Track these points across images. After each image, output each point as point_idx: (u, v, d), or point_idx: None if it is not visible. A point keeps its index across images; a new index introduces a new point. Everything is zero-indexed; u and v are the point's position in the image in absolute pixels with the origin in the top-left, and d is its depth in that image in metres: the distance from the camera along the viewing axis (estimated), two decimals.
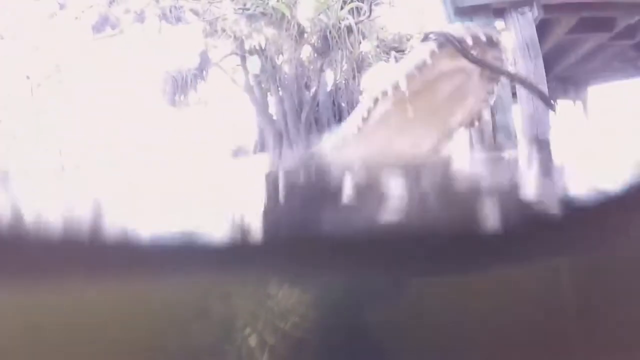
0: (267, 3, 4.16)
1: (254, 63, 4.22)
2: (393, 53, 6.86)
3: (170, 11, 4.43)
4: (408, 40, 7.05)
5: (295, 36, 4.97)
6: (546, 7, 3.43)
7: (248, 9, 4.26)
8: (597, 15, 3.63)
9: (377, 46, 6.64)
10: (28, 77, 4.60)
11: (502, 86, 3.54)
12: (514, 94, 3.41)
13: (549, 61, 5.31)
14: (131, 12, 4.01)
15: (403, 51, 6.96)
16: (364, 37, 5.97)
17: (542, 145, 3.33)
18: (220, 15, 4.65)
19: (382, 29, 6.24)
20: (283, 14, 4.30)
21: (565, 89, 5.62)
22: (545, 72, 5.54)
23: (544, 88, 3.33)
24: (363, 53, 6.26)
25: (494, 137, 3.36)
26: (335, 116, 7.37)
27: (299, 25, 4.89)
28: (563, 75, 5.35)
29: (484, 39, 0.74)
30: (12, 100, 6.70)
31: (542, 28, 4.05)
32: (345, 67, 6.50)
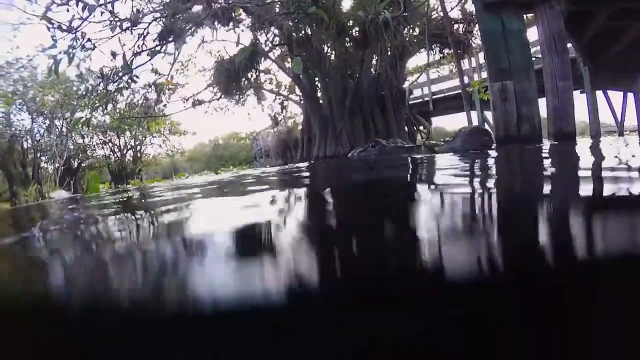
0: (308, 8, 4.48)
1: (298, 65, 4.57)
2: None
3: (222, 13, 4.94)
4: (453, 24, 6.96)
5: (335, 34, 5.27)
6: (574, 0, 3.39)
7: (292, 13, 4.63)
8: (630, 6, 3.52)
9: (420, 34, 6.70)
10: (102, 74, 5.40)
11: (528, 80, 3.65)
12: (541, 87, 3.41)
13: (594, 49, 5.03)
14: (191, 22, 4.57)
15: (446, 38, 6.92)
16: (404, 27, 6.07)
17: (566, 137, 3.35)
18: (268, 16, 5.09)
19: (423, 16, 6.28)
20: (322, 18, 4.62)
21: (614, 79, 5.32)
22: (591, 60, 5.27)
23: (569, 82, 3.36)
24: (405, 42, 6.35)
25: (519, 129, 3.44)
26: (377, 103, 7.54)
27: (338, 22, 5.18)
28: (611, 64, 5.09)
29: None
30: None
31: (582, 15, 3.94)
32: (387, 55, 6.66)
